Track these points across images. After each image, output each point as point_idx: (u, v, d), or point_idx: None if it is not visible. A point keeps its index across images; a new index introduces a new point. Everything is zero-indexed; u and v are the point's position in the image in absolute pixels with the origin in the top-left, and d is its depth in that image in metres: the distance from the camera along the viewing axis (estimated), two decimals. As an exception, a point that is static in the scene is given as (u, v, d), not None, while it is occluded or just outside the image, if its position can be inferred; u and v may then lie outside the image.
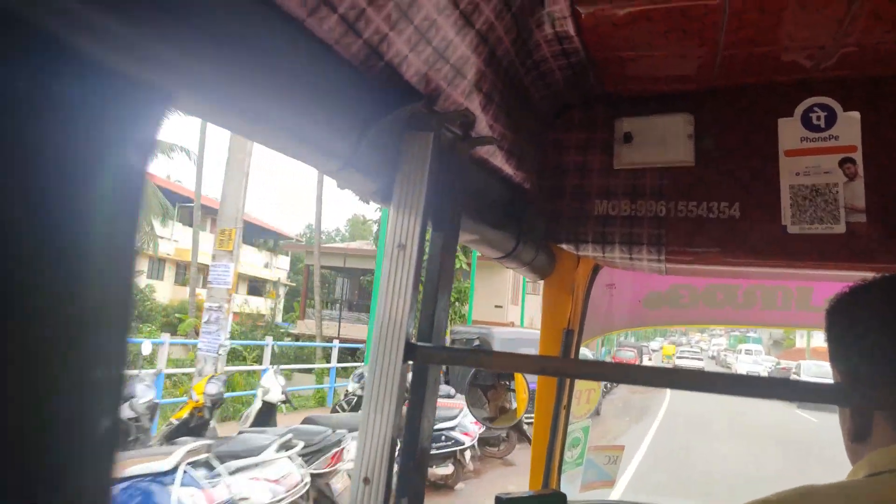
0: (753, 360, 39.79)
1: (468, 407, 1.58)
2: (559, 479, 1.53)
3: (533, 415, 1.51)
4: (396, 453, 0.89)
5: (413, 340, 0.85)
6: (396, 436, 0.83)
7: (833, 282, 1.62)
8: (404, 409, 0.89)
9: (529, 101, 1.29)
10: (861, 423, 0.80)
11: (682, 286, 1.68)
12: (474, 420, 6.03)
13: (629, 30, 1.09)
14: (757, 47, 1.13)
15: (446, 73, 0.88)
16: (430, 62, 0.84)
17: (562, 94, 1.36)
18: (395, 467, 0.89)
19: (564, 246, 1.42)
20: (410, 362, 0.86)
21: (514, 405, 1.60)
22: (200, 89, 0.61)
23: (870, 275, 1.29)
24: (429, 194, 0.86)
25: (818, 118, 1.25)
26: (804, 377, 20.12)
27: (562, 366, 0.91)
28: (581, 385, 1.63)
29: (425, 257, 0.97)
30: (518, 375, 1.55)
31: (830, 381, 0.80)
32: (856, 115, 1.22)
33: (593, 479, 1.67)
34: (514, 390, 1.61)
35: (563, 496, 1.06)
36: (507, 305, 24.42)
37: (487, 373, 1.62)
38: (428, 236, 0.99)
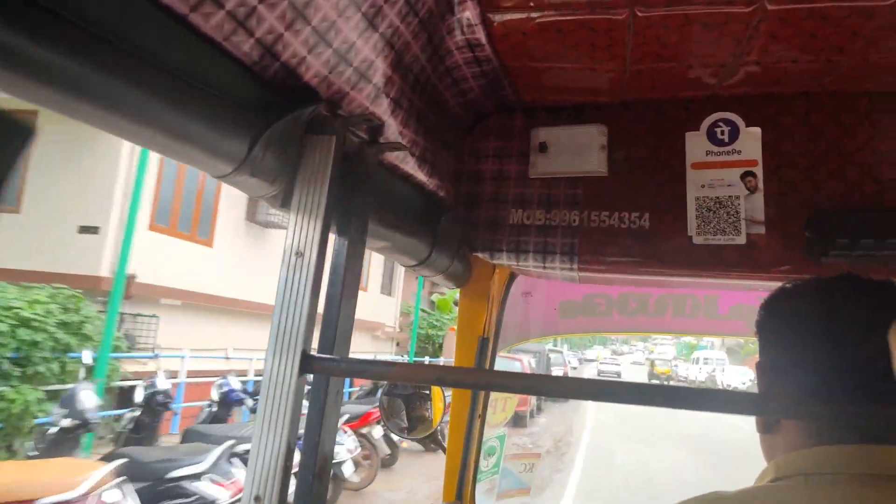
0: (719, 372, 35.38)
1: (383, 418, 1.55)
2: (474, 489, 1.51)
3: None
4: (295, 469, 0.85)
5: (312, 352, 0.81)
6: (293, 451, 0.80)
7: (737, 290, 1.68)
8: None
9: (444, 108, 1.28)
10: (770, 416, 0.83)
11: (597, 295, 1.71)
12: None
13: (540, 40, 1.09)
14: (663, 63, 1.16)
15: (349, 77, 0.86)
16: (330, 65, 0.81)
17: (478, 101, 1.36)
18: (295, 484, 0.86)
19: (480, 254, 1.41)
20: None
21: (431, 414, 1.58)
22: (74, 89, 0.56)
23: (769, 284, 1.35)
24: (331, 200, 0.83)
25: (722, 133, 1.29)
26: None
27: (470, 377, 0.89)
28: (497, 394, 1.63)
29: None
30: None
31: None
32: (757, 130, 1.27)
33: (509, 488, 1.67)
34: (430, 399, 1.59)
35: None
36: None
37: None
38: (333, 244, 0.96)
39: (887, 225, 1.18)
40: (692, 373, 40.14)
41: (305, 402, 0.87)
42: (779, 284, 1.30)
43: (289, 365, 0.79)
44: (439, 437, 1.56)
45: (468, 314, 1.53)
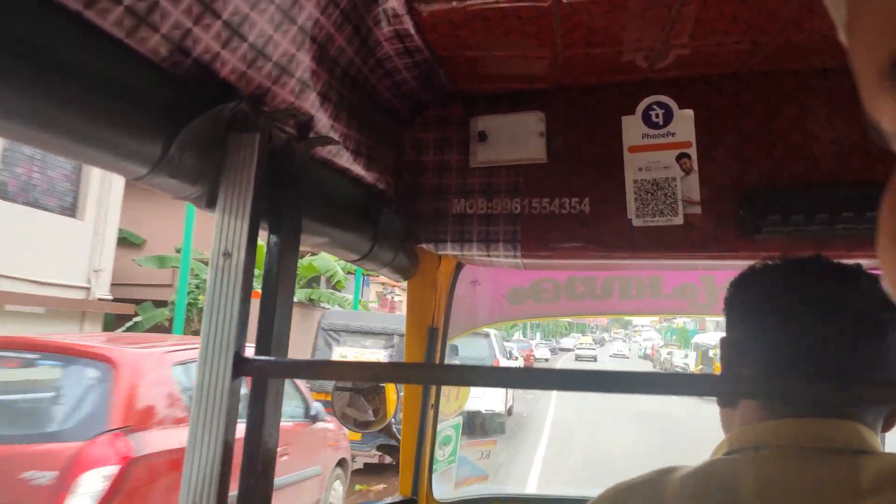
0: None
1: (335, 413, 1.54)
2: (430, 479, 1.52)
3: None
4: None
5: (245, 354, 0.80)
6: (230, 456, 0.78)
7: (679, 270, 1.72)
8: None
9: (379, 100, 1.27)
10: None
11: (545, 280, 1.73)
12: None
13: (469, 29, 1.08)
14: (593, 48, 1.17)
15: (269, 72, 0.84)
16: (248, 59, 0.79)
17: (415, 93, 1.35)
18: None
19: (425, 245, 1.41)
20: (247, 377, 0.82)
21: (385, 407, 1.57)
22: None
23: (708, 263, 1.38)
24: (258, 198, 0.82)
25: (657, 115, 1.31)
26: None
27: (409, 372, 0.89)
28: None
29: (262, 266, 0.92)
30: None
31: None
32: (689, 112, 1.29)
33: (467, 476, 1.69)
34: (384, 391, 1.59)
35: (414, 501, 1.05)
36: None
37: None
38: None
39: (816, 201, 1.21)
40: (692, 362, 32.79)
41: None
42: (717, 262, 1.35)
43: (221, 368, 0.78)
44: (394, 429, 1.56)
45: (416, 305, 1.53)
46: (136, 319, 13.96)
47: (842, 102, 1.24)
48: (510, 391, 12.08)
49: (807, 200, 1.22)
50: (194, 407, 0.78)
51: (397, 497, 1.39)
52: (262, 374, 0.82)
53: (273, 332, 0.88)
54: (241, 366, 0.78)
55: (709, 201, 1.27)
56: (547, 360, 41.56)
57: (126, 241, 15.40)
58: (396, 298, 30.00)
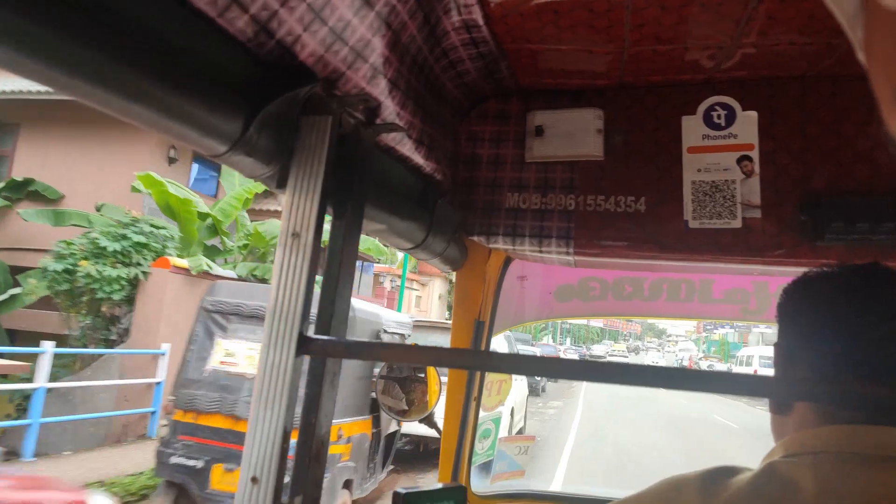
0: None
1: (379, 400, 1.56)
2: (469, 471, 1.52)
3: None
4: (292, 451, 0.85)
5: (310, 333, 0.81)
6: (290, 433, 0.80)
7: (732, 275, 1.69)
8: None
9: (442, 91, 1.28)
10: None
11: (592, 279, 1.72)
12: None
13: (537, 22, 1.08)
14: (661, 45, 1.15)
15: (345, 56, 0.85)
16: (326, 43, 0.80)
17: (476, 85, 1.35)
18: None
19: (476, 238, 1.41)
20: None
21: (427, 397, 1.59)
22: (67, 65, 0.56)
23: (764, 268, 1.35)
24: (327, 181, 0.83)
25: (719, 116, 1.29)
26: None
27: (467, 358, 0.89)
28: (492, 377, 1.64)
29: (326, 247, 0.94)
30: (429, 366, 1.54)
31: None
32: (753, 114, 1.27)
33: (504, 470, 1.69)
34: (426, 382, 1.60)
35: (464, 489, 1.05)
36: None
37: (400, 364, 1.60)
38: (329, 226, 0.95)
39: (881, 209, 1.18)
40: None
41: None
42: (774, 269, 1.32)
43: (285, 346, 0.79)
44: (434, 419, 1.57)
45: (464, 297, 1.53)
46: (12, 292, 10.61)
47: None
48: (519, 407, 10.72)
49: (872, 208, 1.19)
50: (257, 383, 0.80)
51: (449, 483, 1.40)
52: (323, 353, 0.83)
53: (334, 313, 0.89)
54: (304, 344, 0.80)
55: (769, 205, 1.24)
56: None
57: (38, 195, 12.86)
58: (394, 285, 24.25)
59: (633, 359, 57.31)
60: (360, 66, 0.89)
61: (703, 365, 41.01)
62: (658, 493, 0.81)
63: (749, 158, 1.27)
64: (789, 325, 0.88)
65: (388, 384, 1.61)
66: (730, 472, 0.79)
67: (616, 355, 53.40)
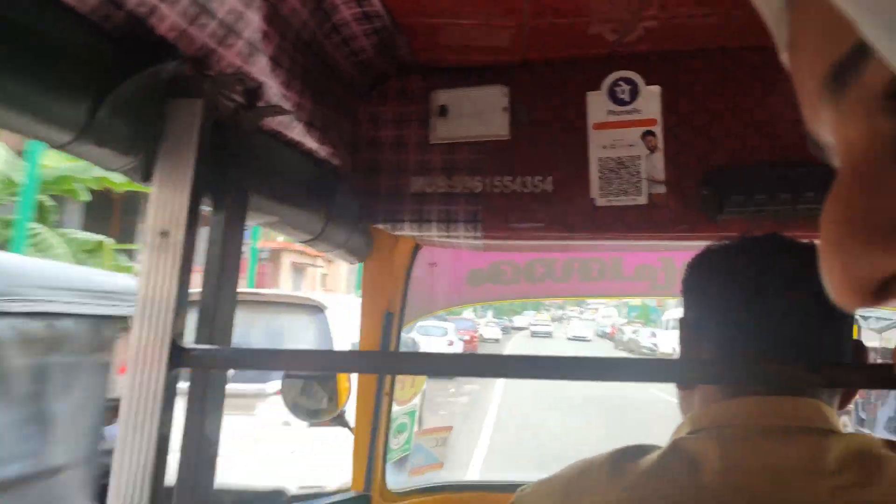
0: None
1: (285, 403, 1.47)
2: (384, 470, 1.46)
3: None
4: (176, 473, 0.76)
5: (184, 343, 0.72)
6: (165, 454, 0.71)
7: (641, 251, 1.70)
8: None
9: (335, 70, 1.18)
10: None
11: (504, 262, 1.68)
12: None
13: None
14: (561, 18, 1.11)
15: (214, 31, 0.75)
16: (189, 15, 0.70)
17: (373, 63, 1.27)
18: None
19: (381, 226, 1.33)
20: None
21: (337, 395, 1.51)
22: None
23: (670, 244, 1.35)
24: (200, 171, 0.73)
25: (623, 92, 1.27)
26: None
27: (371, 361, 0.83)
28: (405, 369, 1.58)
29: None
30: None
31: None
32: (656, 89, 1.25)
33: (422, 464, 1.64)
34: (335, 379, 1.52)
35: (367, 497, 0.99)
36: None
37: None
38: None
39: (779, 179, 1.20)
40: (663, 341, 28.66)
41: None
42: (679, 244, 1.32)
43: (156, 358, 0.70)
44: (346, 418, 1.49)
45: (372, 289, 1.46)
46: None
47: None
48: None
49: (769, 179, 1.21)
50: (125, 400, 0.70)
51: (349, 493, 1.33)
52: (202, 364, 0.74)
53: (215, 319, 0.80)
54: (178, 356, 0.70)
55: (673, 181, 1.24)
56: (497, 340, 37.75)
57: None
58: (289, 260, 21.35)
59: (556, 328, 56.54)
60: (234, 42, 0.79)
61: (628, 330, 41.16)
62: (567, 477, 0.79)
63: (652, 134, 1.26)
64: (692, 299, 0.88)
65: (307, 384, 1.51)
66: (639, 451, 0.78)
67: (539, 325, 53.02)
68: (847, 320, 0.81)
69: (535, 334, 49.38)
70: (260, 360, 0.70)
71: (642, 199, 1.24)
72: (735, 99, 1.24)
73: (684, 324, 0.87)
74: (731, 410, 0.76)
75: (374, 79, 1.34)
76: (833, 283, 0.25)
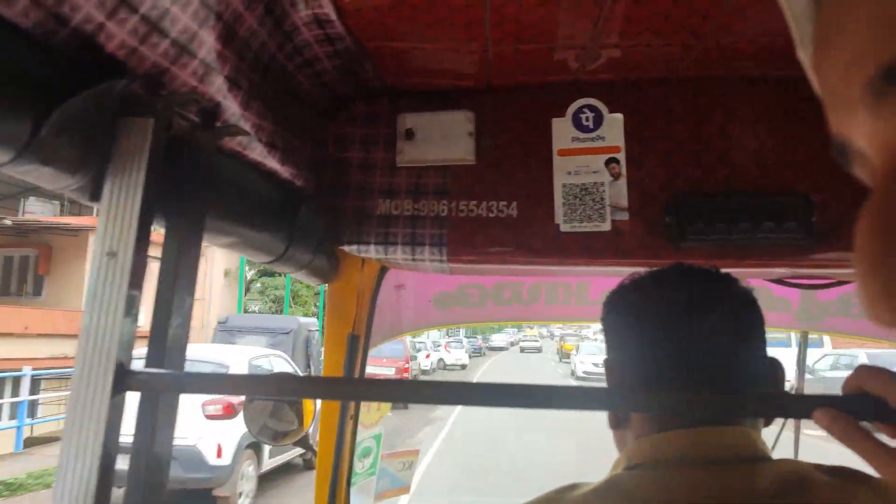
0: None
1: (247, 425, 1.44)
2: (347, 494, 1.44)
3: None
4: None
5: (131, 366, 0.71)
6: (109, 486, 0.69)
7: (606, 277, 1.71)
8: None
9: (298, 91, 1.19)
10: (620, 412, 0.85)
11: (471, 285, 1.68)
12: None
13: (395, 18, 1.02)
14: (524, 44, 1.12)
15: (166, 50, 0.75)
16: (139, 34, 0.70)
17: (338, 85, 1.27)
18: None
19: (346, 248, 1.33)
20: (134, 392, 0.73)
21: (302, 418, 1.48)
22: None
23: (634, 270, 1.36)
24: (149, 192, 0.73)
25: (587, 119, 1.29)
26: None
27: (334, 388, 0.82)
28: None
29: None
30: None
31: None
32: (619, 116, 1.27)
33: (387, 488, 1.62)
34: (300, 401, 1.50)
35: None
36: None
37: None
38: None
39: (738, 208, 1.21)
40: None
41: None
42: (643, 270, 1.33)
43: (100, 382, 0.68)
44: (310, 441, 1.47)
45: (336, 311, 1.45)
46: None
47: (765, 112, 1.24)
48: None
49: (729, 208, 1.22)
50: (67, 427, 0.68)
51: None
52: (150, 388, 0.73)
53: (167, 340, 0.79)
54: (124, 380, 0.69)
55: (636, 208, 1.25)
56: (464, 366, 30.21)
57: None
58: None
59: (546, 344, 55.57)
60: (188, 62, 0.79)
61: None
62: None
63: (616, 161, 1.27)
64: (612, 339, 0.88)
65: (277, 405, 1.48)
66: (571, 488, 0.78)
67: (528, 341, 52.01)
68: (760, 338, 0.82)
69: (524, 349, 50.26)
70: (216, 385, 0.69)
71: (606, 226, 1.26)
72: (697, 128, 1.26)
73: (608, 366, 0.87)
74: (664, 444, 0.76)
75: (340, 100, 1.35)
76: (871, 300, 0.23)
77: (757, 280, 1.52)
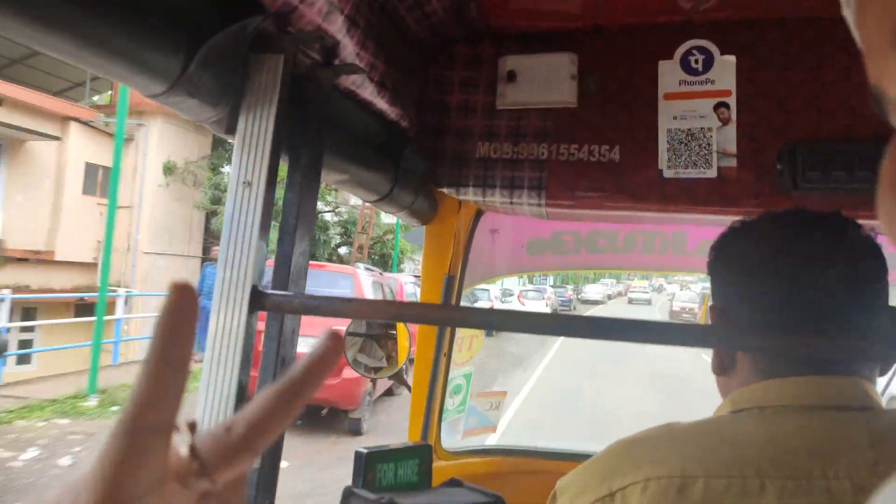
0: None
1: (347, 358, 1.52)
2: (439, 428, 1.51)
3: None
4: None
5: (264, 288, 0.76)
6: (245, 392, 0.76)
7: (706, 226, 1.67)
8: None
9: (407, 32, 1.20)
10: (725, 358, 0.83)
11: (565, 232, 1.68)
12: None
13: None
14: None
15: None
16: None
17: (443, 26, 1.28)
18: None
19: (445, 190, 1.36)
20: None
21: (396, 353, 1.55)
22: None
23: (737, 218, 1.33)
24: (279, 126, 0.77)
25: (696, 61, 1.24)
26: None
27: (433, 312, 0.85)
28: (463, 332, 1.61)
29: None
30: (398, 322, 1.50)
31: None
32: (731, 58, 1.22)
33: (475, 426, 1.67)
34: (396, 338, 1.56)
35: (429, 447, 1.03)
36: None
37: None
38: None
39: (859, 157, 1.15)
40: None
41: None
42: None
43: (238, 301, 0.74)
44: (404, 375, 1.54)
45: (434, 252, 1.49)
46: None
47: None
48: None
49: (849, 157, 1.16)
50: (209, 341, 0.75)
51: (415, 441, 1.38)
52: (279, 308, 0.79)
53: (291, 267, 0.84)
54: (258, 300, 0.75)
55: (745, 154, 1.21)
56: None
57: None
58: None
59: (655, 297, 52.70)
60: (314, 1, 0.82)
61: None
62: (615, 453, 0.78)
63: (726, 105, 1.23)
64: (721, 284, 0.85)
65: (366, 342, 1.57)
66: (668, 426, 0.78)
67: (637, 292, 49.70)
68: (882, 289, 0.78)
69: (633, 301, 47.95)
70: (332, 308, 0.74)
71: (712, 173, 1.22)
72: (817, 71, 1.20)
73: (714, 311, 0.85)
74: (772, 390, 0.75)
75: (443, 42, 1.35)
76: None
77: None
